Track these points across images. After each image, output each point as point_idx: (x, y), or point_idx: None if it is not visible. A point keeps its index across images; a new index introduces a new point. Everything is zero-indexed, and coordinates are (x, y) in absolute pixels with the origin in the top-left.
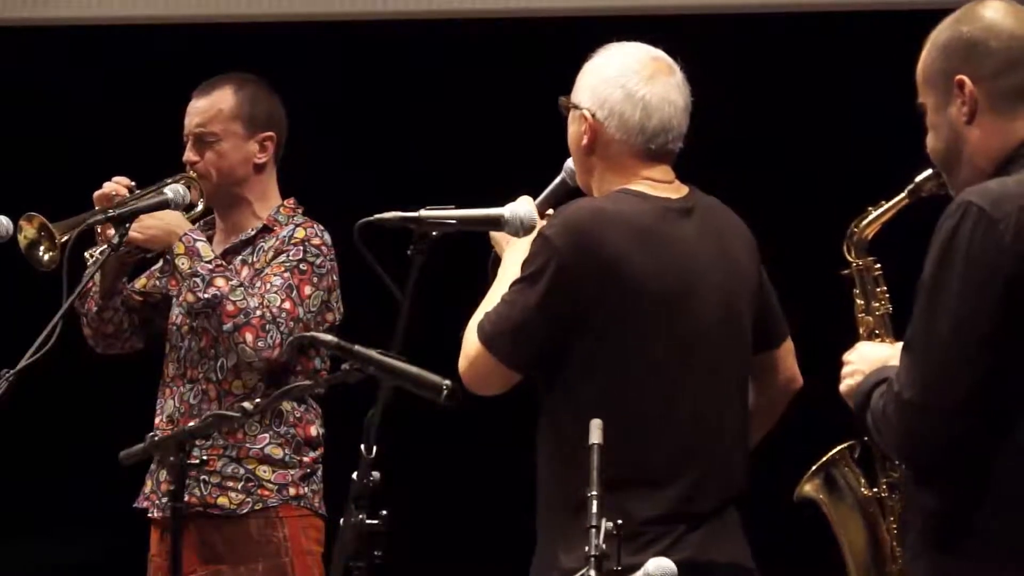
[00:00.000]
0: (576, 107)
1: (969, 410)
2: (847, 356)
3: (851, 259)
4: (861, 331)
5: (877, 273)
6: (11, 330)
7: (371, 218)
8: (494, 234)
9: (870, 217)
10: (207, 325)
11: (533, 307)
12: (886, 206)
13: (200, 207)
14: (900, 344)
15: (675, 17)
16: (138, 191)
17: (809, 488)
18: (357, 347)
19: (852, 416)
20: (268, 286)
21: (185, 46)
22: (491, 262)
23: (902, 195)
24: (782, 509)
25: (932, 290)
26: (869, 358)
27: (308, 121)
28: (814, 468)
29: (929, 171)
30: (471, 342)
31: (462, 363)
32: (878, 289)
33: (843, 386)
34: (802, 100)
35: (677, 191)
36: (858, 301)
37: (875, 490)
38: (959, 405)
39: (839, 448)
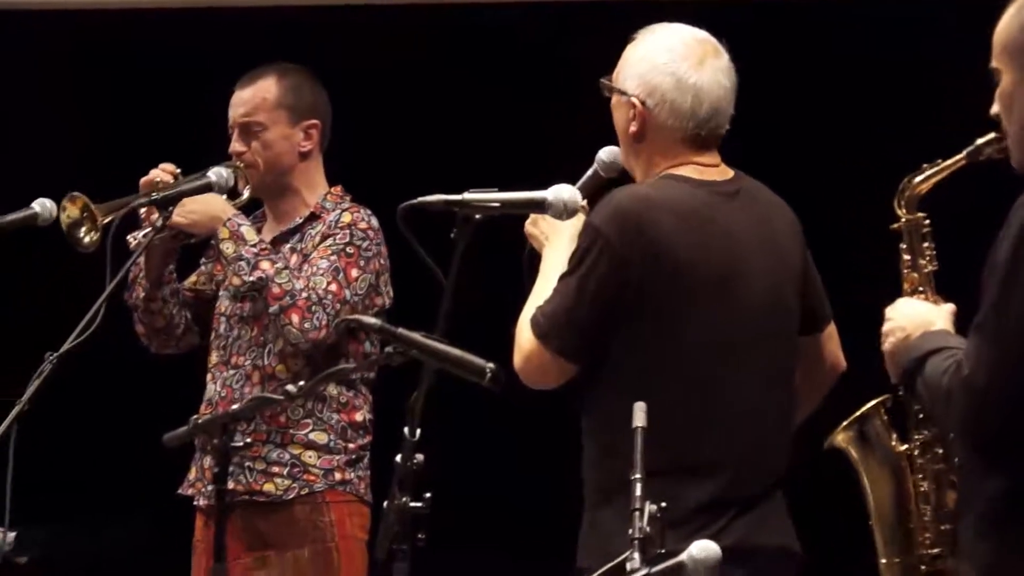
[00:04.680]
0: (623, 93)
1: None
2: (888, 311)
3: (901, 213)
4: (906, 287)
5: (926, 230)
6: (56, 314)
7: (414, 201)
8: (530, 229)
9: (925, 173)
10: (254, 310)
11: (586, 298)
12: (943, 164)
13: (246, 196)
14: (944, 305)
15: None
16: (183, 178)
17: (841, 439)
18: (401, 330)
19: (887, 372)
20: (314, 268)
21: (223, 33)
22: (526, 257)
23: (960, 156)
24: (810, 458)
25: (1008, 274)
26: (910, 315)
27: (353, 107)
28: (848, 420)
29: (991, 135)
30: (525, 337)
31: (517, 359)
32: (925, 246)
33: (886, 344)
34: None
35: (722, 174)
36: (905, 257)
37: (906, 447)
38: None
39: (873, 403)
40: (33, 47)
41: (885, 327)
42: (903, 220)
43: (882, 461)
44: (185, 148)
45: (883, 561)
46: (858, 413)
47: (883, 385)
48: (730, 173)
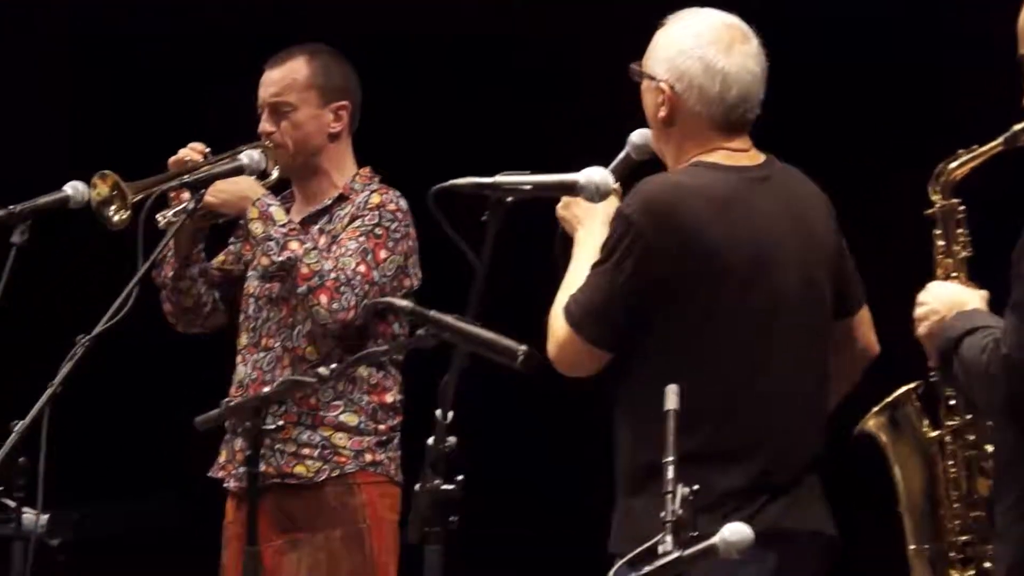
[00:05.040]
0: (652, 78)
1: None
2: (920, 296)
3: (936, 199)
4: (939, 272)
5: (961, 216)
6: (88, 296)
7: (446, 184)
8: (562, 212)
9: (961, 159)
10: (282, 291)
11: (618, 288)
12: (979, 150)
13: (275, 176)
14: (978, 291)
15: None
16: (212, 157)
17: (872, 424)
18: (433, 312)
19: (923, 357)
20: (343, 249)
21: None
22: (558, 239)
23: (997, 141)
24: (841, 444)
25: None
26: (943, 297)
27: (376, 88)
28: (879, 406)
29: None
30: (559, 326)
31: (551, 347)
32: (959, 231)
33: (921, 328)
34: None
35: (753, 159)
36: (939, 242)
37: (937, 433)
38: None
39: (905, 388)
40: (32, 33)
41: (918, 311)
42: (938, 206)
43: (913, 447)
44: (187, 133)
45: (912, 547)
46: (889, 399)
47: (915, 371)
48: (761, 158)
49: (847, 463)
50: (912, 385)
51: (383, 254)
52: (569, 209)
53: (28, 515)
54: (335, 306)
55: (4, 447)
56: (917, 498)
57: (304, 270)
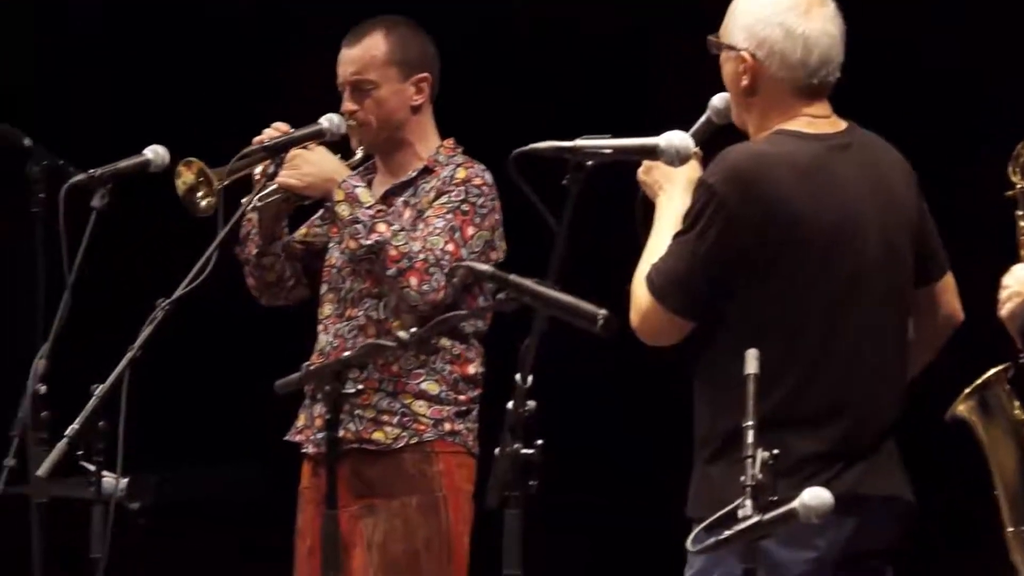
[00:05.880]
0: (732, 48)
1: None
2: (1005, 279)
3: (1016, 180)
4: (1022, 253)
5: None
6: (169, 261)
7: (526, 148)
8: (642, 176)
9: None
10: (370, 271)
11: (701, 257)
12: None
13: (359, 155)
14: None
15: None
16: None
17: (963, 408)
18: (513, 277)
19: (1009, 339)
20: (431, 228)
21: None
22: (638, 203)
23: None
24: (934, 429)
25: None
26: None
27: (460, 56)
28: (969, 389)
29: None
30: (641, 296)
31: (634, 317)
32: None
33: (1004, 310)
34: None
35: (834, 126)
36: (1021, 223)
37: None
38: None
39: (994, 370)
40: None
41: (1002, 294)
42: (1018, 187)
43: (1004, 430)
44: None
45: (1009, 530)
46: (979, 381)
47: (1005, 353)
48: (842, 125)
49: (943, 445)
50: (1001, 367)
51: (471, 231)
52: (650, 173)
53: (108, 479)
54: (425, 287)
55: (84, 411)
56: (1011, 480)
57: (393, 252)
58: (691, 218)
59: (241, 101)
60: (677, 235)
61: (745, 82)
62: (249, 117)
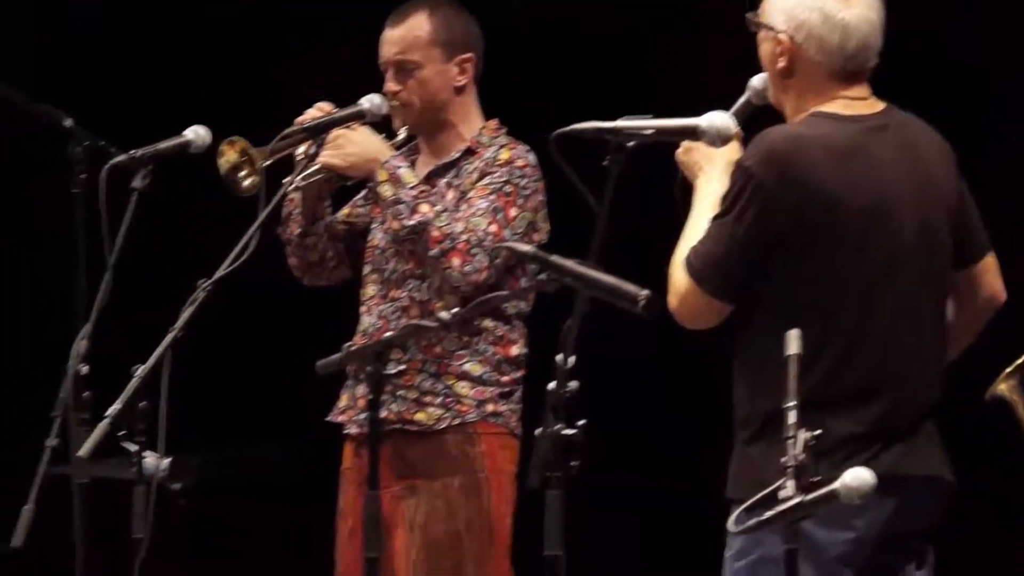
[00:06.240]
0: (770, 28)
1: None
2: None
3: None
4: None
5: None
6: (211, 242)
7: (567, 129)
8: (682, 157)
9: None
10: (413, 250)
11: (739, 240)
12: None
13: (402, 136)
14: None
15: None
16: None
17: (1003, 388)
18: (555, 257)
19: None
20: (473, 209)
21: None
22: (677, 185)
23: None
24: (972, 409)
25: None
26: None
27: (500, 38)
28: (1010, 368)
29: None
30: (680, 279)
31: (672, 300)
32: None
33: None
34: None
35: (871, 107)
36: None
37: None
38: None
39: None
40: None
41: None
42: None
43: None
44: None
45: None
46: (1019, 361)
47: None
48: (879, 106)
49: (984, 426)
50: None
51: (513, 212)
52: (690, 154)
53: (149, 459)
54: (467, 268)
55: (126, 391)
56: None
57: (435, 233)
58: (729, 200)
59: (241, 101)
60: (715, 218)
61: (782, 64)
62: (249, 117)
